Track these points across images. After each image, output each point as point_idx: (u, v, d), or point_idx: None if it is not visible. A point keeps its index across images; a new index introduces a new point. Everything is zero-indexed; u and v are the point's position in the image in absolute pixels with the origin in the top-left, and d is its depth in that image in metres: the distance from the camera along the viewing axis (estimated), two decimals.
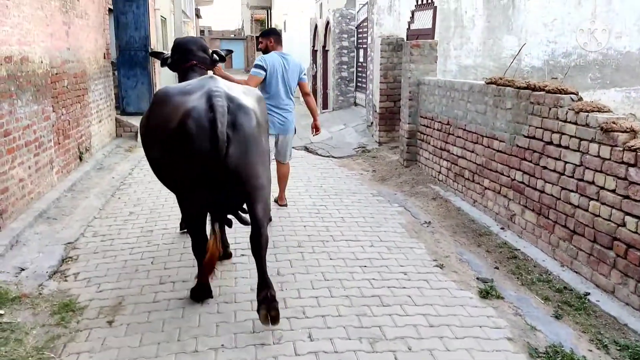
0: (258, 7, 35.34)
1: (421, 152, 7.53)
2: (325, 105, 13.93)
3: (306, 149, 9.53)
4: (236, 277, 4.23)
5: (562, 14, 9.91)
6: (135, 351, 3.22)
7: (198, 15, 47.01)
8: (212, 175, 3.22)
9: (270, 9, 32.77)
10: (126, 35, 10.31)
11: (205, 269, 3.55)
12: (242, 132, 3.23)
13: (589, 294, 3.87)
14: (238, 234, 5.12)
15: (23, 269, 4.40)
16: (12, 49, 5.43)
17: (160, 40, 17.98)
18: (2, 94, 5.14)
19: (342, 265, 4.46)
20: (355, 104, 12.53)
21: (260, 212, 3.39)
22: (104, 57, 9.72)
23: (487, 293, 3.96)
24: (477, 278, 4.27)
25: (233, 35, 63.01)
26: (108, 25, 10.17)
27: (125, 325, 3.50)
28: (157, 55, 4.80)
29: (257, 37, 4.30)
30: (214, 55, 4.64)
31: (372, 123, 9.64)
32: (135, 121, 10.70)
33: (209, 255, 3.40)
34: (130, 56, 10.35)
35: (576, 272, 4.17)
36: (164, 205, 6.14)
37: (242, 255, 4.64)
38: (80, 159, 7.87)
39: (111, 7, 10.25)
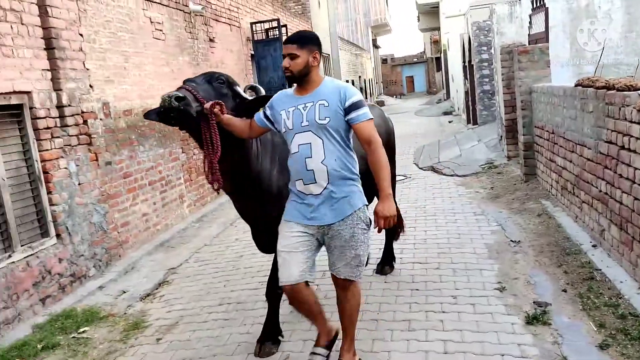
0: (428, 29, 35.29)
1: (538, 164, 6.94)
2: (475, 121, 13.43)
3: (432, 168, 9.35)
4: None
5: None
6: None
7: (376, 46, 48.47)
8: None
9: (439, 29, 32.51)
10: (267, 77, 11.22)
11: None
12: None
13: None
14: None
15: (125, 292, 5.13)
16: (132, 103, 6.39)
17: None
18: (122, 143, 6.10)
19: (393, 288, 4.38)
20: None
21: None
22: None
23: (535, 319, 3.59)
24: (534, 302, 3.87)
25: (415, 60, 63.60)
26: (251, 70, 11.20)
27: (167, 343, 3.91)
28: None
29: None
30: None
31: (501, 137, 9.11)
32: None
33: None
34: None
35: None
36: None
37: None
38: (218, 192, 8.72)
39: (253, 52, 11.28)
